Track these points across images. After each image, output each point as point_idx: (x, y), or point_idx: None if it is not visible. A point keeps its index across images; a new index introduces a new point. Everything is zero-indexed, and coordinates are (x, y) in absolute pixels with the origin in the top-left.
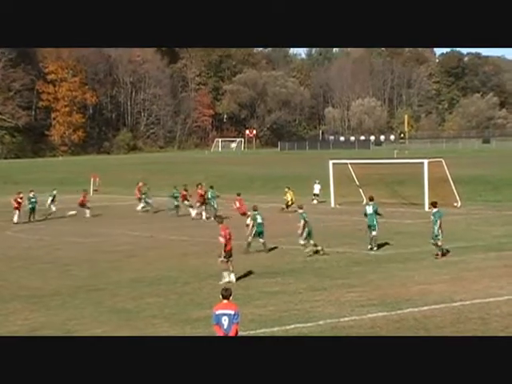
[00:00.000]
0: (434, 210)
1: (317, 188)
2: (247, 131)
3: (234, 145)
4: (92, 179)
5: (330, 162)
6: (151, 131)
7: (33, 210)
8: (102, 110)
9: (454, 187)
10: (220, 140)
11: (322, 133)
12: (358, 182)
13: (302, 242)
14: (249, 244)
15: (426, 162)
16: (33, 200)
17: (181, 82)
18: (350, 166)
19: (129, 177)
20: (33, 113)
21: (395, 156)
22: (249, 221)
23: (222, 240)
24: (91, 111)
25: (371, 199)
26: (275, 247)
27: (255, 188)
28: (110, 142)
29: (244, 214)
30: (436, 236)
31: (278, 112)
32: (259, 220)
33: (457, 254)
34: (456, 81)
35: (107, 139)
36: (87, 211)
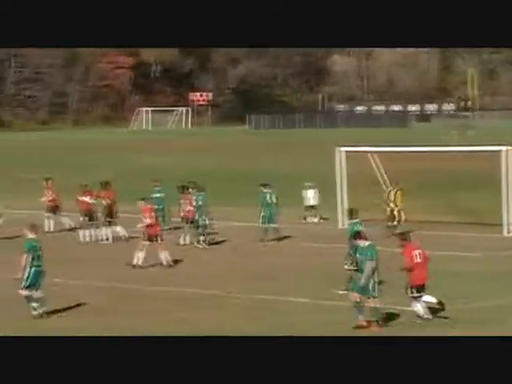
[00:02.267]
0: None
1: (311, 196)
2: (194, 95)
3: (170, 118)
4: None
5: (339, 150)
6: (26, 94)
7: None
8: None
9: None
10: (146, 110)
11: (324, 99)
12: (388, 184)
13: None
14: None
15: (504, 149)
16: None
17: None
18: (372, 156)
19: None
20: None
21: (452, 140)
22: None
23: None
24: None
25: (351, 214)
26: None
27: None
28: None
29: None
30: None
31: (248, 62)
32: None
33: None
34: None
35: None
36: None
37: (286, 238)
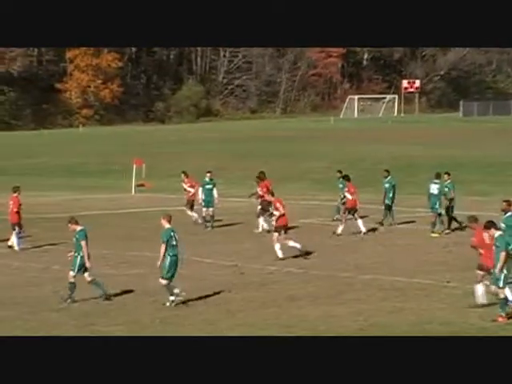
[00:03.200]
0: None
1: None
2: (405, 82)
3: (379, 106)
4: (135, 166)
5: None
6: (236, 84)
7: None
8: (151, 47)
9: None
10: (357, 98)
11: None
12: None
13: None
14: None
15: None
16: None
17: None
18: None
19: (196, 163)
20: (35, 53)
21: None
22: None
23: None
24: (133, 49)
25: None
26: None
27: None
28: (165, 101)
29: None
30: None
31: (458, 49)
32: None
33: None
34: None
35: (160, 97)
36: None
37: None
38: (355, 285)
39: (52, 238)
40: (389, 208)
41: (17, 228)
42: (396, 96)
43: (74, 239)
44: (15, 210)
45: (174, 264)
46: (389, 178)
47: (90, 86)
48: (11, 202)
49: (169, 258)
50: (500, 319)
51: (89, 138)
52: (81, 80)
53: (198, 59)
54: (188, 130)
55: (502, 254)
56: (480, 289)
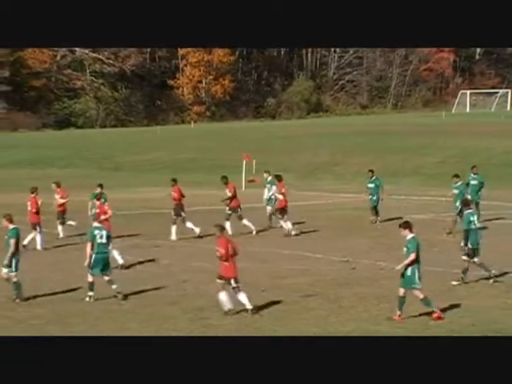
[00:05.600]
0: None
1: None
2: None
3: (492, 101)
4: (245, 162)
5: None
6: (347, 79)
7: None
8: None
9: None
10: (469, 93)
11: None
12: None
13: None
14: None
15: None
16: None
17: None
18: None
19: (306, 158)
20: (148, 50)
21: None
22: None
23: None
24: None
25: None
26: None
27: None
28: (276, 97)
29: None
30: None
31: None
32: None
33: None
34: None
35: (271, 93)
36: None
37: None
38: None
39: (166, 233)
40: (375, 208)
41: (38, 228)
42: (509, 91)
43: (6, 237)
44: (34, 210)
45: (101, 260)
46: (374, 178)
47: (201, 82)
48: (29, 203)
49: (94, 255)
50: (397, 318)
51: (200, 134)
52: (192, 76)
53: (309, 55)
54: (298, 126)
55: (412, 255)
56: (223, 296)
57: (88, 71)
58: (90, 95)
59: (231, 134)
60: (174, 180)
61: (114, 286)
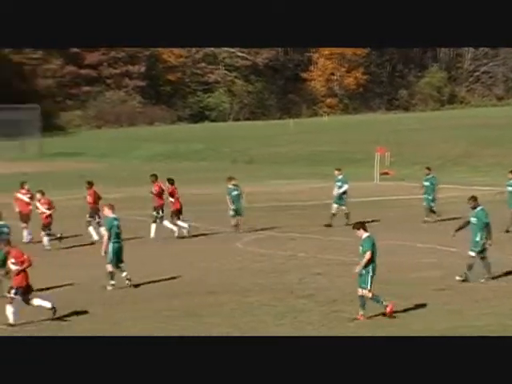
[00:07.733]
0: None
1: None
2: None
3: None
4: (378, 155)
5: None
6: (482, 70)
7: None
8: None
9: None
10: None
11: None
12: None
13: None
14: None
15: None
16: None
17: None
18: None
19: (440, 151)
20: None
21: None
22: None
23: None
24: None
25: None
26: None
27: None
28: (408, 88)
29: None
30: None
31: None
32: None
33: None
34: None
35: (405, 85)
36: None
37: None
38: None
39: (300, 226)
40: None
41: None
42: None
43: None
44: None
45: (118, 251)
46: (430, 176)
47: (334, 74)
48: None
49: (111, 245)
50: (361, 318)
51: (333, 126)
52: (325, 68)
53: None
54: (432, 118)
55: (368, 253)
56: (9, 308)
57: (222, 65)
58: (223, 89)
59: (365, 126)
60: (155, 175)
61: (124, 274)
